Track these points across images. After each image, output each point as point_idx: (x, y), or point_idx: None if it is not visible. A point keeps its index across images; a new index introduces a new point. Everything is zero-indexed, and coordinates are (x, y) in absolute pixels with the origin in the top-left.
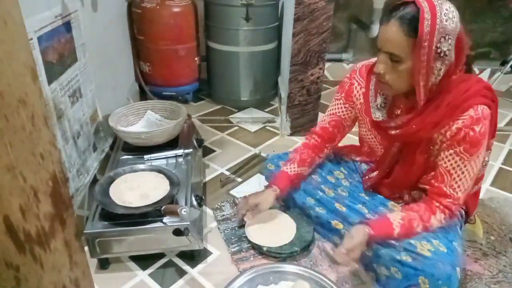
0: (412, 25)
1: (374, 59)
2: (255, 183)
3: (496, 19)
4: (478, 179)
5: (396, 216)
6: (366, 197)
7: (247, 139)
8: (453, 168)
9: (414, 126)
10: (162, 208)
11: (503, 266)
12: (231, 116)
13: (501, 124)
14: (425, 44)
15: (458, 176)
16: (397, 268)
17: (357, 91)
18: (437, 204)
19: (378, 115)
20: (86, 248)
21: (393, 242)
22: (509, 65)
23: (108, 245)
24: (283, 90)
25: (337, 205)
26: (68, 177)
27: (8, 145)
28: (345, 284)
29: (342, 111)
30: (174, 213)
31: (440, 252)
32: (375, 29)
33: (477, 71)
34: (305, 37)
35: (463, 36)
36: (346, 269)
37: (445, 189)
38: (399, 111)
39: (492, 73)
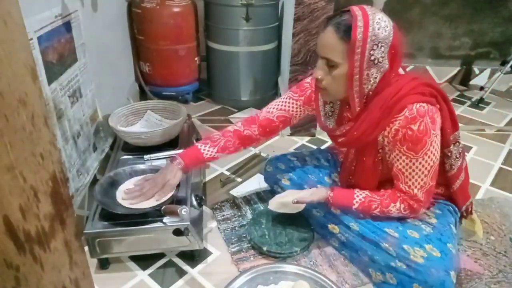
0: (347, 32)
1: None
2: (255, 183)
3: (496, 19)
4: (457, 174)
5: (361, 193)
6: None
7: None
8: (403, 167)
9: (355, 133)
10: (162, 208)
11: (503, 266)
12: (231, 116)
13: (501, 124)
14: (358, 50)
15: (410, 174)
16: (392, 274)
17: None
18: (399, 195)
19: (328, 123)
20: (86, 248)
21: (388, 248)
22: (509, 65)
23: (108, 245)
24: (283, 90)
25: (332, 208)
26: (68, 177)
27: (8, 145)
28: (345, 284)
29: (295, 110)
30: (174, 213)
31: (433, 258)
32: None
33: (477, 71)
34: (305, 37)
35: (397, 44)
36: (346, 269)
37: (401, 186)
38: (346, 120)
39: (492, 73)
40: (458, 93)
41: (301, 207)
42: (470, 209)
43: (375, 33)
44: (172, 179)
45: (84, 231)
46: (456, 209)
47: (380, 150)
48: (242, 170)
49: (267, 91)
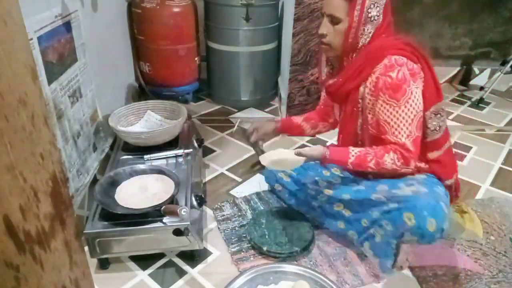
0: None
1: None
2: (255, 183)
3: (496, 19)
4: (432, 145)
5: (356, 149)
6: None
7: None
8: (388, 117)
9: (340, 79)
10: (162, 208)
11: (503, 266)
12: (231, 116)
13: (501, 124)
14: (358, 7)
15: (396, 123)
16: (387, 220)
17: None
18: (390, 146)
19: (325, 80)
20: (86, 248)
21: (380, 197)
22: (509, 65)
23: (108, 245)
24: (283, 90)
25: (326, 191)
26: (68, 177)
27: (8, 145)
28: (345, 284)
29: (324, 100)
30: (174, 213)
31: (422, 191)
32: None
33: (477, 71)
34: (305, 37)
35: (389, 7)
36: (346, 269)
37: (389, 137)
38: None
39: (492, 73)
40: (458, 93)
41: (300, 162)
42: (457, 192)
43: None
44: (261, 128)
45: (84, 231)
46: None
47: (360, 101)
48: (242, 170)
49: (267, 91)
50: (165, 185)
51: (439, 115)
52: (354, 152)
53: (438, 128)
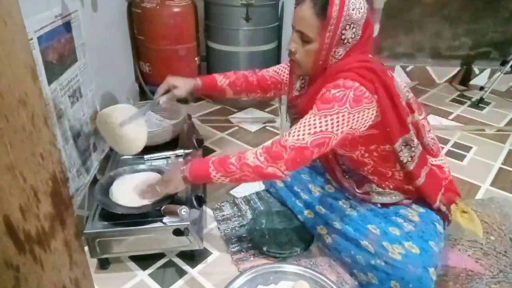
0: (323, 8)
1: None
2: (255, 183)
3: (496, 19)
4: (411, 175)
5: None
6: (350, 192)
7: (247, 139)
8: (300, 122)
9: (302, 102)
10: (162, 208)
11: (504, 266)
12: (231, 116)
13: (501, 124)
14: (331, 27)
15: (299, 124)
16: (373, 274)
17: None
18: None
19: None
20: (86, 248)
21: (367, 245)
22: (509, 65)
23: (108, 245)
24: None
25: (317, 207)
26: (68, 177)
27: (8, 145)
28: (345, 284)
29: (285, 76)
30: (174, 213)
31: (411, 254)
32: (375, 29)
33: (477, 71)
34: None
35: (369, 25)
36: (346, 269)
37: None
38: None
39: (492, 73)
40: (458, 93)
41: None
42: (449, 215)
43: (349, 13)
44: (179, 89)
45: (84, 231)
46: (444, 211)
47: None
48: None
49: None
50: None
51: (409, 146)
52: (212, 158)
53: (410, 159)
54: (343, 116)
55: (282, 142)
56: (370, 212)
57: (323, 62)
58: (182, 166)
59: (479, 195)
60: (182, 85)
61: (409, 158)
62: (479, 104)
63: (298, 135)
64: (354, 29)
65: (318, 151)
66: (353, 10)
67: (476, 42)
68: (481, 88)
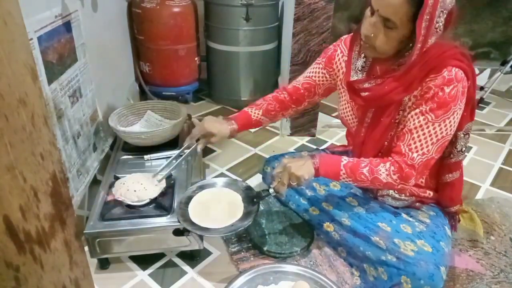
0: None
1: None
2: (255, 183)
3: (496, 19)
4: (453, 166)
5: (346, 157)
6: (359, 190)
7: (247, 139)
8: (415, 128)
9: (386, 87)
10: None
11: (504, 266)
12: (231, 116)
13: (501, 124)
14: (427, 17)
15: (418, 136)
16: (383, 269)
17: (339, 59)
18: (390, 158)
19: (355, 78)
20: (86, 248)
21: (379, 242)
22: (509, 65)
23: (108, 245)
24: None
25: (324, 204)
26: (68, 177)
27: (8, 145)
28: (345, 284)
29: (318, 77)
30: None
31: (424, 252)
32: None
33: (477, 71)
34: (305, 37)
35: (454, 11)
36: (346, 269)
37: (402, 147)
38: (375, 75)
39: (492, 73)
40: None
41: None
42: (458, 218)
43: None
44: (216, 135)
45: (84, 231)
46: (452, 214)
47: (401, 112)
48: (242, 170)
49: (267, 91)
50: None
51: (467, 136)
52: (345, 159)
53: (464, 149)
54: (457, 113)
55: (409, 161)
56: (380, 209)
57: (417, 55)
58: (313, 159)
59: (479, 195)
60: (218, 131)
61: (463, 148)
62: (479, 104)
63: (422, 149)
64: (444, 16)
65: (439, 154)
66: None
67: (476, 42)
68: (481, 88)
